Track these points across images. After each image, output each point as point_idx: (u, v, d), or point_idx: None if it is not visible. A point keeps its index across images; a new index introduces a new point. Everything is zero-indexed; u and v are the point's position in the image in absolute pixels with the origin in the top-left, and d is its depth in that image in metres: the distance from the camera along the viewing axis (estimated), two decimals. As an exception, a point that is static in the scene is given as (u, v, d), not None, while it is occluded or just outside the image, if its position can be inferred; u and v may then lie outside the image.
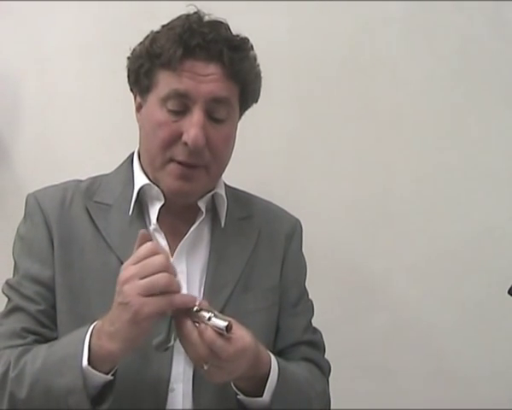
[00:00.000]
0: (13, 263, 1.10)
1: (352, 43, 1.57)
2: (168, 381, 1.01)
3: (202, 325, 0.91)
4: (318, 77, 1.57)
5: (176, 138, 1.03)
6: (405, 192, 1.57)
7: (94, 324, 0.94)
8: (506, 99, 1.55)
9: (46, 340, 1.02)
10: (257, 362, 0.99)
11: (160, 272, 0.89)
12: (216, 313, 0.92)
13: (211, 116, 1.04)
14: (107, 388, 0.93)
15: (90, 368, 0.90)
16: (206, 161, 1.05)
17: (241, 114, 1.13)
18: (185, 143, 1.02)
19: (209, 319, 0.91)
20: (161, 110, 1.04)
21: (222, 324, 0.90)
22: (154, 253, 0.90)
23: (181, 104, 1.03)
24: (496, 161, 1.55)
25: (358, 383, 1.54)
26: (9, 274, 1.09)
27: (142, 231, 0.95)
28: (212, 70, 1.03)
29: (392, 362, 1.56)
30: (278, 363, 1.03)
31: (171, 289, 0.89)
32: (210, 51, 1.03)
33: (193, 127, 1.01)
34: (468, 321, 1.54)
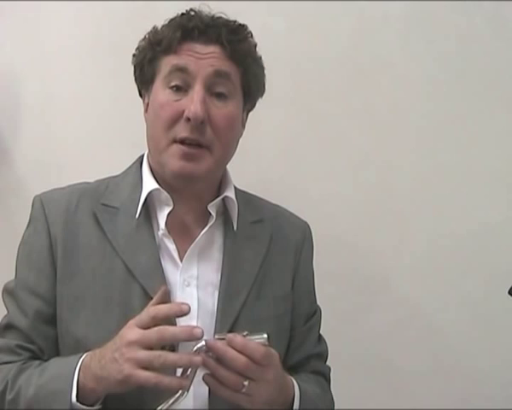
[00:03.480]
0: (14, 263, 1.10)
1: (351, 42, 1.57)
2: None
3: (230, 335, 0.93)
4: (318, 77, 1.57)
5: (178, 117, 1.04)
6: (405, 191, 1.57)
7: (82, 357, 0.96)
8: (506, 99, 1.55)
9: (38, 356, 1.04)
10: (286, 383, 1.02)
11: (160, 345, 0.90)
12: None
13: (212, 92, 1.05)
14: None
15: (78, 404, 0.93)
16: (209, 139, 1.04)
17: (246, 105, 1.13)
18: (187, 119, 1.03)
19: (245, 336, 0.93)
20: (164, 91, 1.06)
21: (262, 335, 0.94)
22: (159, 321, 0.91)
23: (182, 80, 1.05)
24: (495, 161, 1.55)
25: (359, 382, 1.54)
26: (10, 274, 1.09)
27: (164, 287, 0.96)
28: (211, 50, 1.06)
29: (392, 361, 1.57)
30: (299, 387, 1.05)
31: (165, 368, 0.90)
32: (208, 34, 1.05)
33: (193, 101, 1.02)
34: (469, 320, 1.55)
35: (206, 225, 1.08)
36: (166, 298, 0.96)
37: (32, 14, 1.58)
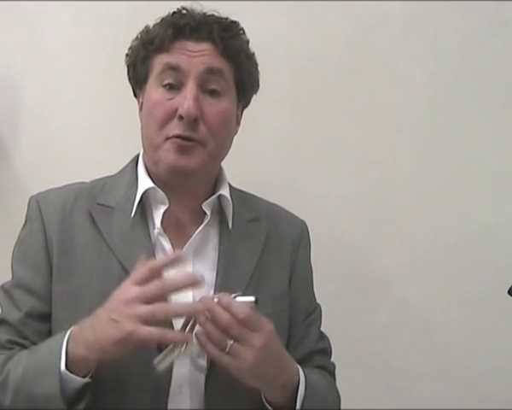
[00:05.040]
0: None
1: (351, 42, 1.57)
2: (169, 385, 1.01)
3: (220, 294, 0.95)
4: (318, 77, 1.57)
5: (171, 115, 1.04)
6: (405, 192, 1.57)
7: (71, 329, 0.95)
8: (506, 99, 1.55)
9: None
10: (286, 362, 1.02)
11: (161, 298, 0.90)
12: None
13: (205, 89, 1.05)
14: (85, 388, 0.95)
15: (67, 373, 0.92)
16: (202, 136, 1.05)
17: (240, 102, 1.13)
18: (180, 117, 1.03)
19: (235, 297, 0.95)
20: (157, 90, 1.06)
21: (250, 298, 0.95)
22: (156, 274, 0.91)
23: (174, 79, 1.05)
24: (495, 161, 1.55)
25: (358, 382, 1.54)
26: (10, 273, 1.09)
27: (178, 252, 0.98)
28: (203, 47, 1.06)
29: (392, 361, 1.56)
30: (305, 374, 1.04)
31: (167, 320, 0.91)
32: (200, 32, 1.06)
33: (186, 99, 1.03)
34: (469, 320, 1.54)
35: (201, 223, 1.09)
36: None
37: (32, 15, 1.58)
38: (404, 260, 1.56)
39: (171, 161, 1.05)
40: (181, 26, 1.05)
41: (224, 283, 1.06)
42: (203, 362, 0.98)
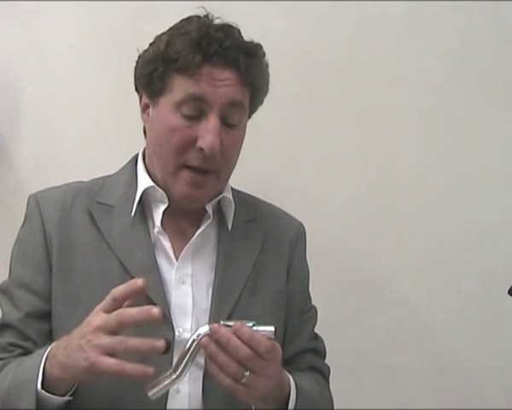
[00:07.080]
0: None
1: (351, 42, 1.57)
2: None
3: (237, 324, 0.90)
4: (318, 76, 1.57)
5: (190, 144, 1.02)
6: (405, 192, 1.57)
7: (51, 346, 0.95)
8: (506, 99, 1.55)
9: (29, 352, 1.02)
10: (282, 379, 1.00)
11: (124, 328, 0.89)
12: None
13: (225, 121, 1.04)
14: (69, 404, 0.95)
15: (43, 392, 0.92)
16: (218, 165, 1.04)
17: (250, 115, 1.13)
18: (200, 149, 1.02)
19: (252, 326, 0.91)
20: (175, 115, 1.03)
21: (269, 328, 0.91)
22: (120, 303, 0.89)
23: (196, 109, 1.02)
24: (495, 161, 1.55)
25: (358, 382, 1.54)
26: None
27: (136, 281, 0.92)
28: (228, 75, 1.03)
29: (392, 361, 1.57)
30: (295, 383, 1.03)
31: (127, 353, 0.88)
32: (226, 58, 1.02)
33: (209, 133, 1.01)
34: (469, 320, 1.55)
35: (200, 223, 1.09)
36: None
37: (32, 14, 1.58)
38: (403, 260, 1.56)
39: (183, 193, 1.05)
40: (210, 54, 1.01)
41: (222, 283, 1.07)
42: (201, 360, 0.98)
